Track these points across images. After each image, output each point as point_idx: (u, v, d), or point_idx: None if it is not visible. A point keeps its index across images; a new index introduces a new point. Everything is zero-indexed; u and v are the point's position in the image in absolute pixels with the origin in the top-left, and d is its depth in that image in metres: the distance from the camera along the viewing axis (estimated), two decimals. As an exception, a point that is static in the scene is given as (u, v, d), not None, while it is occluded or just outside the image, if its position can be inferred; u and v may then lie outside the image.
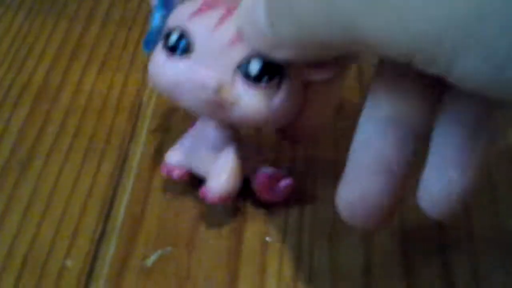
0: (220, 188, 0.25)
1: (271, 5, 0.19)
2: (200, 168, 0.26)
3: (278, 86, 0.23)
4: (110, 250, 0.25)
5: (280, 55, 0.21)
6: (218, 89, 0.22)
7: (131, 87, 0.32)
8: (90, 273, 0.24)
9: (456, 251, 0.25)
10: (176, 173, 0.26)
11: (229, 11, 0.22)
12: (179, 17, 0.23)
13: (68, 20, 0.37)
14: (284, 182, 0.26)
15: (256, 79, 0.22)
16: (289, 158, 0.28)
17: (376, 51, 0.17)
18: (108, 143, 0.29)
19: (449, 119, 0.19)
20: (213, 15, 0.23)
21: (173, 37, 0.23)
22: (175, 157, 0.26)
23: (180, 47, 0.23)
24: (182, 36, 0.23)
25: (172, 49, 0.23)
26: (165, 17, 0.24)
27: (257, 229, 0.26)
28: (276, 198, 0.26)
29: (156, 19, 0.24)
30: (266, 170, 0.26)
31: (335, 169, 0.28)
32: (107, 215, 0.26)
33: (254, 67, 0.22)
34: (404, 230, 0.26)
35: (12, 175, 0.28)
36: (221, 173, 0.25)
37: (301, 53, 0.20)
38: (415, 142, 0.19)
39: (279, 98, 0.23)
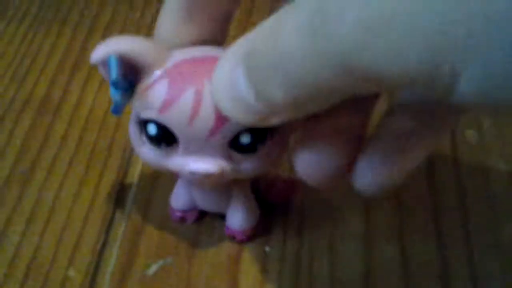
0: (249, 225, 0.26)
1: (253, 74, 0.18)
2: (213, 207, 0.26)
3: (272, 137, 0.22)
4: (112, 260, 0.25)
5: (274, 121, 0.19)
6: (221, 172, 0.22)
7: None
8: (92, 283, 0.25)
9: (454, 258, 0.25)
10: (190, 218, 0.26)
11: (199, 94, 0.20)
12: (149, 105, 0.21)
13: (71, 31, 0.37)
14: (295, 185, 0.27)
15: (250, 150, 0.22)
16: (288, 168, 0.28)
17: (376, 84, 0.16)
18: (110, 154, 0.30)
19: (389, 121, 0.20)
20: (185, 104, 0.20)
21: (152, 130, 0.21)
22: (183, 203, 0.26)
23: (164, 139, 0.22)
24: (161, 129, 0.21)
25: (155, 140, 0.22)
26: (125, 96, 0.21)
27: (257, 238, 0.26)
28: (287, 199, 0.27)
29: (115, 96, 0.21)
30: (273, 177, 0.27)
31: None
32: (108, 225, 0.27)
33: (245, 141, 0.21)
34: (403, 237, 0.26)
35: (15, 186, 0.28)
36: (244, 212, 0.25)
37: (297, 110, 0.19)
38: (370, 106, 0.20)
39: (276, 148, 0.22)
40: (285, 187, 0.27)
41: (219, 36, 0.23)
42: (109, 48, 0.21)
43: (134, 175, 0.29)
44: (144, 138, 0.22)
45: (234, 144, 0.21)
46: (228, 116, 0.20)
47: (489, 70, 0.13)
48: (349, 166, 0.20)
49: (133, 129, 0.23)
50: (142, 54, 0.21)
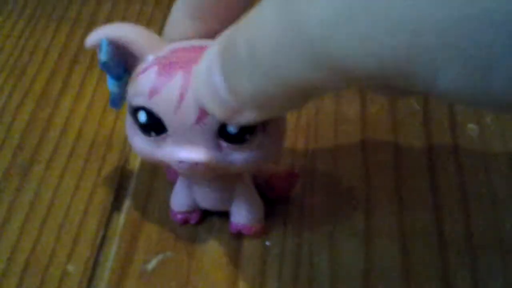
0: (255, 221, 0.25)
1: (226, 67, 0.18)
2: (217, 206, 0.26)
3: (264, 129, 0.22)
4: (111, 254, 0.25)
5: (246, 119, 0.20)
6: (209, 162, 0.22)
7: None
8: (91, 278, 0.25)
9: (455, 256, 0.25)
10: (193, 219, 0.26)
11: (186, 80, 0.21)
12: (139, 92, 0.21)
13: (69, 25, 0.37)
14: (295, 179, 0.27)
15: (239, 141, 0.21)
16: (288, 164, 0.28)
17: (354, 77, 0.16)
18: (109, 148, 0.30)
19: None
20: (172, 89, 0.21)
21: (142, 117, 0.22)
22: (184, 204, 0.26)
23: (153, 127, 0.22)
24: (150, 116, 0.21)
25: (145, 128, 0.22)
26: (120, 84, 0.22)
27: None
28: (287, 192, 0.27)
29: (111, 85, 0.22)
30: (276, 171, 0.27)
31: (334, 174, 0.28)
32: (107, 220, 0.27)
33: (232, 130, 0.21)
34: (403, 234, 0.26)
35: (14, 180, 0.28)
36: (247, 208, 0.25)
37: (268, 107, 0.19)
38: None
39: (268, 141, 0.22)
40: (284, 181, 0.27)
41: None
42: (102, 33, 0.21)
43: (133, 170, 0.29)
44: (137, 128, 0.22)
45: (222, 133, 0.21)
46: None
47: (468, 65, 0.13)
48: None
49: (128, 119, 0.23)
50: (134, 40, 0.21)
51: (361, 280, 0.24)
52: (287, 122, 0.23)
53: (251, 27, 0.17)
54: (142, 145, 0.22)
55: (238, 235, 0.26)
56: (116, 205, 0.27)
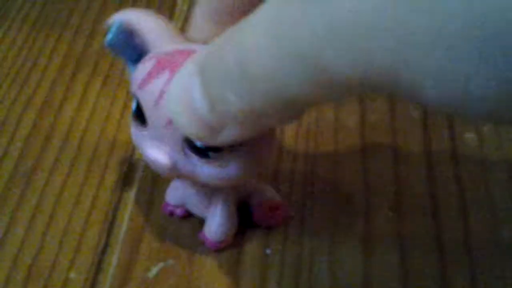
0: (217, 237, 0.25)
1: (209, 81, 0.18)
2: (195, 209, 0.26)
3: (231, 150, 0.21)
4: (113, 262, 0.26)
5: (224, 139, 0.19)
6: (173, 166, 0.22)
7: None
8: (93, 285, 0.25)
9: (454, 262, 0.25)
10: (178, 212, 0.27)
11: (171, 80, 0.21)
12: (134, 79, 0.22)
13: (72, 34, 0.37)
14: (283, 212, 0.26)
15: (203, 155, 0.21)
16: (289, 171, 0.29)
17: (345, 88, 0.16)
18: (111, 156, 0.30)
19: None
20: (157, 85, 0.21)
21: (133, 105, 0.22)
22: (175, 197, 0.26)
23: (138, 118, 0.22)
24: (137, 106, 0.22)
25: (134, 117, 0.22)
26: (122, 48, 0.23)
27: (257, 241, 0.26)
28: (274, 224, 0.26)
29: (129, 69, 0.23)
30: (264, 198, 0.26)
31: (334, 182, 0.28)
32: (110, 227, 0.27)
33: (197, 143, 0.21)
34: (402, 244, 0.26)
35: (17, 187, 0.28)
36: (216, 221, 0.25)
37: (252, 122, 0.19)
38: None
39: (238, 161, 0.22)
40: (268, 210, 0.26)
41: None
42: (120, 16, 0.22)
43: (135, 178, 0.29)
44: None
45: (188, 142, 0.21)
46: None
47: (447, 76, 0.13)
48: None
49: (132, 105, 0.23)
50: (146, 28, 0.22)
51: (361, 287, 0.24)
52: (285, 132, 0.23)
53: (241, 39, 0.17)
54: (133, 131, 0.23)
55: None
56: (118, 213, 0.27)
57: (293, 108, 0.18)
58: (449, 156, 0.29)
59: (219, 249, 0.26)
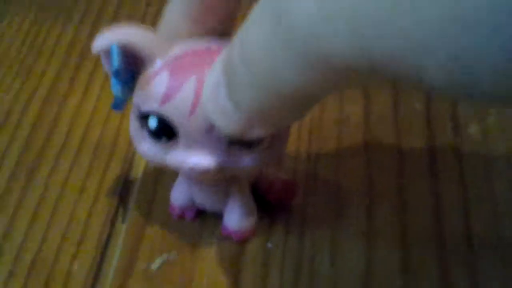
0: (244, 226, 0.25)
1: (230, 82, 0.18)
2: (208, 206, 0.26)
3: (272, 134, 0.22)
4: (116, 254, 0.26)
5: (256, 133, 0.20)
6: (219, 168, 0.22)
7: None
8: (96, 277, 0.25)
9: (455, 263, 0.25)
10: (189, 215, 0.27)
11: (199, 85, 0.20)
12: (151, 97, 0.21)
13: (75, 26, 0.37)
14: (295, 186, 0.27)
15: (249, 145, 0.22)
16: (292, 164, 0.29)
17: (345, 74, 0.16)
18: (114, 149, 0.30)
19: None
20: (186, 98, 0.21)
21: (153, 123, 0.21)
22: (181, 198, 0.26)
23: (164, 133, 0.22)
24: (161, 122, 0.21)
25: (156, 134, 0.22)
26: (126, 88, 0.22)
27: (259, 235, 0.26)
28: (291, 200, 0.27)
29: (116, 90, 0.21)
30: (274, 178, 0.26)
31: (337, 176, 0.28)
32: (112, 221, 0.27)
33: None
34: (404, 239, 0.26)
35: (20, 182, 0.29)
36: (238, 212, 0.25)
37: (271, 120, 0.19)
38: None
39: (276, 141, 0.22)
40: (284, 188, 0.27)
41: (226, 30, 0.23)
42: (111, 37, 0.21)
43: (138, 171, 0.29)
44: (145, 133, 0.22)
45: (233, 138, 0.21)
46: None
47: (456, 59, 0.13)
48: None
49: (133, 125, 0.23)
50: (144, 44, 0.21)
51: (362, 283, 0.25)
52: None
53: (243, 37, 0.17)
54: (150, 150, 0.22)
55: (236, 241, 0.26)
56: (120, 206, 0.28)
57: (300, 104, 0.18)
58: (452, 151, 0.29)
59: (246, 239, 0.26)
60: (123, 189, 0.28)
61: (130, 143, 0.30)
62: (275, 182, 0.27)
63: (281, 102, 0.18)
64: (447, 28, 0.13)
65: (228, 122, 0.19)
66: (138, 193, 0.28)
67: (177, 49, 0.21)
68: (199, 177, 0.23)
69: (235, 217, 0.25)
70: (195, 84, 0.20)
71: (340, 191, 0.28)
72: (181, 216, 0.27)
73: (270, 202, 0.27)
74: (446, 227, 0.26)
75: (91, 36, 0.36)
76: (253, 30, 0.17)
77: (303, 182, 0.28)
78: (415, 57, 0.14)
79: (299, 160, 0.29)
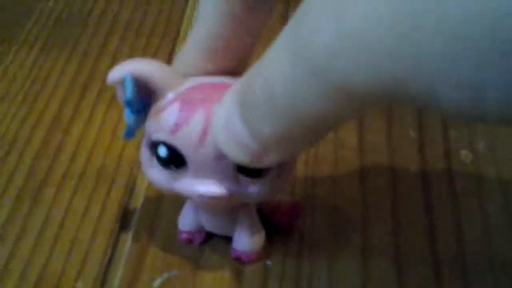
0: (253, 247, 0.26)
1: (246, 112, 0.19)
2: (218, 230, 0.26)
3: (280, 164, 0.22)
4: (119, 273, 0.26)
5: (270, 161, 0.20)
6: (228, 196, 0.23)
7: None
8: (99, 296, 0.26)
9: (449, 279, 0.26)
10: (197, 239, 0.27)
11: (208, 117, 0.21)
12: (161, 128, 0.22)
13: (80, 55, 0.38)
14: (300, 208, 0.28)
15: (257, 175, 0.22)
16: (289, 188, 0.29)
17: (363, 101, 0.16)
18: (117, 173, 0.31)
19: None
20: (194, 129, 0.21)
21: (162, 152, 0.22)
22: (189, 224, 0.27)
23: (173, 161, 0.22)
24: (171, 150, 0.22)
25: (165, 162, 0.23)
26: (138, 118, 0.23)
27: (258, 253, 0.27)
28: (295, 221, 0.28)
29: (129, 119, 0.22)
30: (281, 201, 0.27)
31: (333, 198, 0.29)
32: (115, 240, 0.28)
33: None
34: (399, 258, 0.27)
35: (26, 203, 0.29)
36: (247, 234, 0.26)
37: (289, 147, 0.20)
38: None
39: (283, 171, 0.23)
40: (290, 211, 0.27)
41: (238, 68, 0.23)
42: (125, 69, 0.22)
43: (140, 193, 0.30)
44: (154, 160, 0.23)
45: (241, 168, 0.22)
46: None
47: (463, 85, 0.14)
48: None
49: (144, 151, 0.24)
50: (157, 77, 0.22)
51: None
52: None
53: (264, 70, 0.18)
54: (159, 177, 0.23)
55: (245, 262, 0.27)
56: (123, 225, 0.28)
57: (319, 131, 0.19)
58: (444, 174, 0.30)
59: (254, 260, 0.26)
60: (125, 211, 0.29)
61: (132, 168, 0.31)
62: (280, 204, 0.27)
63: (302, 130, 0.18)
64: (458, 60, 0.13)
65: (243, 152, 0.20)
66: (140, 214, 0.29)
67: (189, 82, 0.22)
68: (208, 204, 0.24)
69: (244, 239, 0.26)
70: (203, 118, 0.21)
71: (337, 212, 0.28)
72: (189, 241, 0.27)
73: (271, 223, 0.27)
74: (439, 246, 0.27)
75: (95, 67, 0.37)
76: (274, 63, 0.17)
77: (301, 200, 0.28)
78: (429, 84, 0.14)
79: (296, 183, 0.30)
